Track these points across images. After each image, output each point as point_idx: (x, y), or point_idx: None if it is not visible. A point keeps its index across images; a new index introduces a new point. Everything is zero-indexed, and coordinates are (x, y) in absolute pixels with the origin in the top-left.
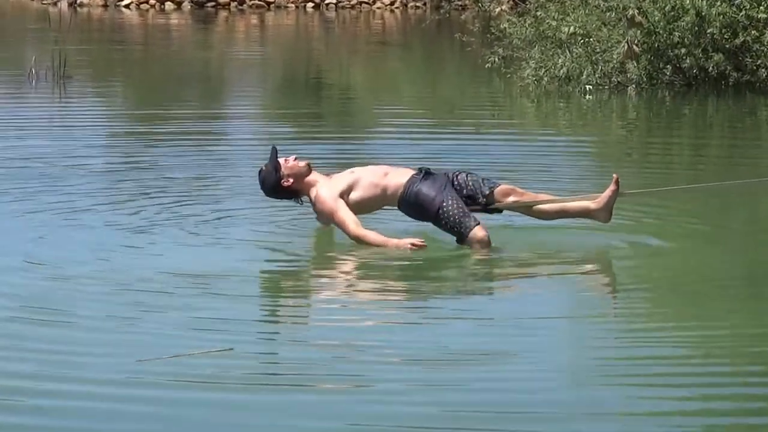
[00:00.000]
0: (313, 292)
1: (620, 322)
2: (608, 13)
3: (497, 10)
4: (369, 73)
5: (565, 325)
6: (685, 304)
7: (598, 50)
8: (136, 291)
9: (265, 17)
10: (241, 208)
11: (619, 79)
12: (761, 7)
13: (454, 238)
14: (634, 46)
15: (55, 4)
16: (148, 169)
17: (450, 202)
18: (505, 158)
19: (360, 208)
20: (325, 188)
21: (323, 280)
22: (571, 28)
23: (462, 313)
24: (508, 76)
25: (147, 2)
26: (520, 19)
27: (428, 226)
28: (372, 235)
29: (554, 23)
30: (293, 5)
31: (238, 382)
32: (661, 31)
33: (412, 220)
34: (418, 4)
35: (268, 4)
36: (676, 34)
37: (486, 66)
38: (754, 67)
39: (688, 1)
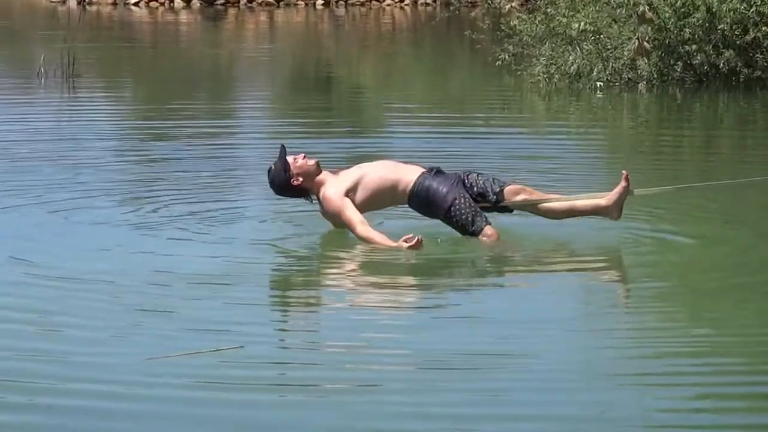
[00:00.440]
0: (321, 292)
1: (633, 321)
2: (619, 10)
3: (507, 6)
4: (379, 70)
5: (577, 326)
6: (697, 302)
7: (608, 47)
8: (141, 289)
9: (275, 15)
10: (249, 206)
11: (629, 76)
12: None
13: (463, 235)
14: (645, 43)
15: (63, 2)
16: (156, 167)
17: (461, 200)
18: (516, 155)
19: (369, 204)
20: (332, 187)
21: (332, 280)
22: (582, 24)
23: (473, 313)
24: (519, 73)
25: (156, 0)
26: (530, 15)
27: (432, 226)
28: (377, 236)
29: (564, 20)
30: (303, 3)
31: (245, 383)
32: (671, 28)
33: (422, 216)
34: (428, 0)
35: (278, 1)
36: (687, 30)
37: (496, 63)
38: (765, 64)
39: None
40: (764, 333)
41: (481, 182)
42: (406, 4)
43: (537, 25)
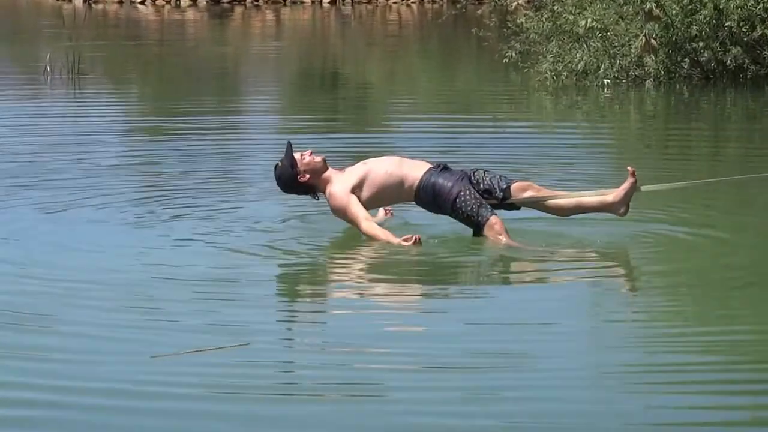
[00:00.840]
0: (327, 292)
1: (641, 322)
2: (625, 7)
3: (514, 4)
4: (385, 67)
5: (585, 328)
6: (706, 300)
7: (615, 44)
8: (146, 287)
9: (281, 13)
10: (256, 203)
11: (636, 73)
12: None
13: (471, 230)
14: (652, 40)
15: (69, 0)
16: (162, 165)
17: (467, 192)
18: (523, 152)
19: (375, 200)
20: (338, 184)
21: (337, 280)
22: (589, 21)
23: (479, 315)
24: (526, 70)
25: None
26: (537, 13)
27: (442, 225)
28: (381, 233)
29: (571, 17)
30: (309, 0)
31: (250, 384)
32: (678, 25)
33: (430, 213)
34: None
35: None
36: (694, 27)
37: (503, 61)
38: None
39: None
40: None
41: (487, 179)
42: (412, 2)
43: (544, 23)
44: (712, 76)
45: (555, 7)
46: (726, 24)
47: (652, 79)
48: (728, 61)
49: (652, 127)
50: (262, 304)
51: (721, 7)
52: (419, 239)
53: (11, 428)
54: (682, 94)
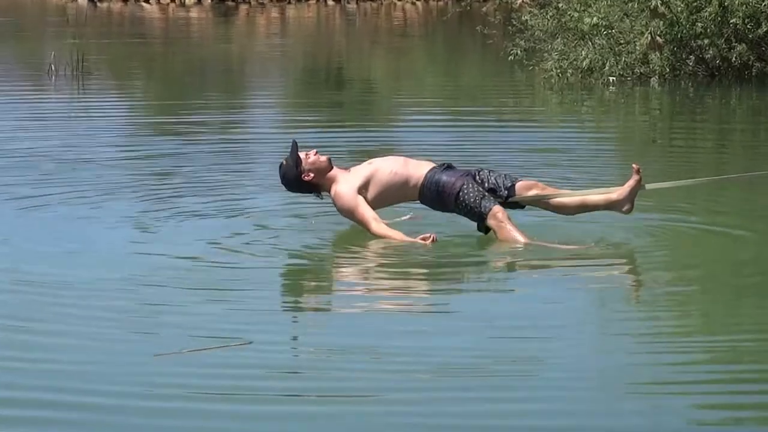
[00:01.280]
0: (330, 292)
1: (647, 324)
2: (630, 4)
3: (519, 1)
4: (390, 65)
5: (590, 329)
6: (713, 302)
7: (620, 41)
8: (149, 285)
9: (286, 11)
10: (260, 202)
11: (641, 71)
12: None
13: (476, 225)
14: (657, 37)
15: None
16: (166, 164)
17: (469, 186)
18: (528, 150)
19: (380, 200)
20: (344, 184)
21: (341, 279)
22: (593, 19)
23: (484, 317)
24: (531, 68)
25: None
26: (542, 10)
27: (446, 219)
28: (392, 233)
29: (576, 14)
30: None
31: (251, 388)
32: (683, 22)
33: (435, 212)
34: None
35: None
36: (699, 24)
37: (508, 58)
38: None
39: None
40: None
41: (492, 178)
42: (417, 0)
43: (549, 20)
44: (717, 73)
45: (560, 5)
46: (731, 21)
47: (657, 77)
48: (733, 58)
49: (657, 125)
50: (264, 304)
51: (726, 4)
52: (436, 238)
53: (12, 428)
54: (687, 92)
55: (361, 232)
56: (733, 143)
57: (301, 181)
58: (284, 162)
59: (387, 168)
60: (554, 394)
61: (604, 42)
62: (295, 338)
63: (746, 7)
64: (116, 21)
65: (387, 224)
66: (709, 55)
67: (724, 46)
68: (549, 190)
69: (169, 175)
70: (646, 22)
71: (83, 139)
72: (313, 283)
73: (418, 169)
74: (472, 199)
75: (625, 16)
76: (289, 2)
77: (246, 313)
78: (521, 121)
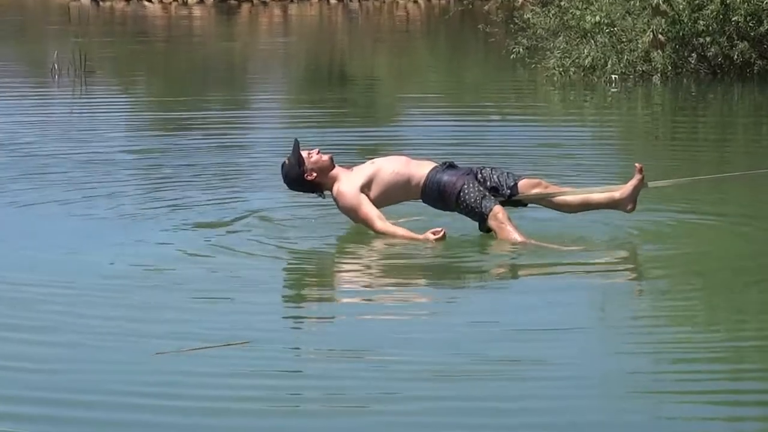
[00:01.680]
0: (332, 292)
1: (649, 325)
2: (632, 2)
3: (520, 0)
4: (392, 63)
5: (592, 330)
6: (716, 301)
7: (622, 39)
8: (151, 283)
9: (288, 9)
10: (262, 200)
11: (644, 68)
12: None
13: (477, 224)
14: (659, 35)
15: None
16: (169, 162)
17: (470, 185)
18: (530, 148)
19: (383, 199)
20: (346, 183)
21: (342, 278)
22: (596, 17)
23: (487, 319)
24: (533, 66)
25: None
26: (544, 9)
27: (449, 219)
28: (398, 230)
29: (578, 13)
30: None
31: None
32: (685, 20)
33: (437, 211)
34: None
35: None
36: (701, 22)
37: (511, 57)
38: None
39: None
40: None
41: (495, 176)
42: None
43: (551, 18)
44: (719, 71)
45: (562, 3)
46: (733, 19)
47: (659, 75)
48: (735, 56)
49: (659, 122)
50: (264, 305)
51: (727, 2)
52: (445, 234)
53: (14, 426)
54: (689, 89)
55: (362, 232)
56: (735, 141)
57: (303, 180)
58: (286, 161)
59: (389, 167)
60: (555, 396)
61: (606, 40)
62: (294, 340)
63: (748, 4)
64: (119, 20)
65: (393, 223)
66: (711, 53)
67: (726, 44)
68: (552, 189)
69: (170, 173)
70: (648, 20)
71: (86, 137)
72: (313, 284)
73: (420, 169)
74: (472, 199)
75: (627, 14)
76: (292, 0)
77: (246, 313)
78: (523, 119)
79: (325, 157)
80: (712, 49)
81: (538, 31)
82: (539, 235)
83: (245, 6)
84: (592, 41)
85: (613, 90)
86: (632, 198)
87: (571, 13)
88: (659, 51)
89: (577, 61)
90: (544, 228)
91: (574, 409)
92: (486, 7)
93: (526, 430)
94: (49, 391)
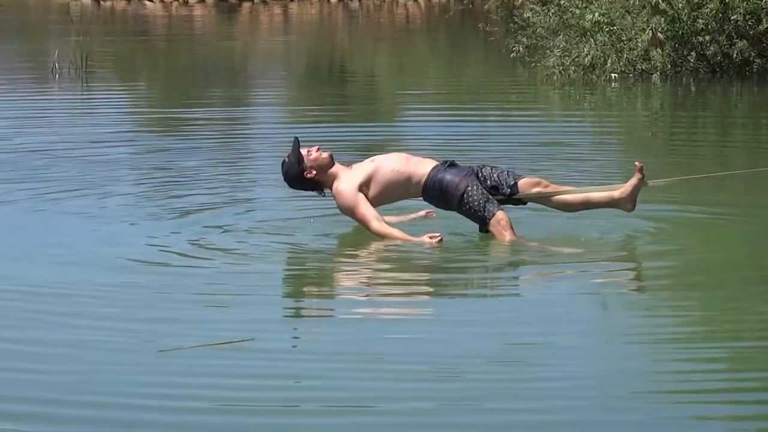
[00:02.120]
0: (330, 294)
1: (650, 325)
2: (632, 1)
3: None
4: (393, 62)
5: (592, 330)
6: (716, 300)
7: (622, 38)
8: (151, 281)
9: (289, 8)
10: (262, 199)
11: (643, 67)
12: None
13: (477, 226)
14: (659, 34)
15: None
16: (170, 161)
17: (473, 188)
18: (530, 146)
19: (382, 197)
20: (345, 182)
21: (342, 278)
22: (595, 16)
23: (488, 319)
24: (533, 65)
25: None
26: (544, 7)
27: (451, 220)
28: (394, 232)
29: (578, 11)
30: None
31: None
32: (685, 18)
33: (438, 209)
34: None
35: None
36: (700, 21)
37: (510, 55)
38: None
39: None
40: None
41: (495, 175)
42: None
43: (550, 17)
44: (718, 70)
45: (561, 2)
46: (732, 17)
47: (658, 73)
48: (734, 55)
49: (659, 121)
50: (263, 305)
51: (726, 0)
52: (442, 239)
53: (14, 426)
54: (688, 88)
55: (362, 232)
56: (735, 139)
57: (303, 178)
58: (286, 159)
59: (389, 165)
60: (555, 396)
61: (605, 39)
62: (293, 341)
63: (747, 3)
64: (119, 19)
65: (390, 223)
66: (710, 52)
67: (725, 42)
68: (552, 188)
69: (171, 172)
70: (648, 19)
71: (86, 136)
72: (312, 285)
73: (421, 167)
74: (476, 203)
75: (626, 13)
76: (292, 0)
77: (246, 313)
78: (523, 118)
79: (325, 155)
80: (712, 48)
81: (538, 30)
82: (539, 237)
83: (246, 5)
84: (592, 40)
85: (612, 88)
86: (632, 197)
87: (571, 11)
88: (659, 49)
89: (576, 59)
90: (543, 228)
91: (574, 409)
92: (486, 6)
93: (526, 429)
94: (50, 391)
